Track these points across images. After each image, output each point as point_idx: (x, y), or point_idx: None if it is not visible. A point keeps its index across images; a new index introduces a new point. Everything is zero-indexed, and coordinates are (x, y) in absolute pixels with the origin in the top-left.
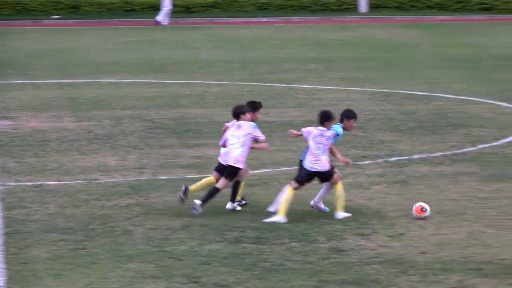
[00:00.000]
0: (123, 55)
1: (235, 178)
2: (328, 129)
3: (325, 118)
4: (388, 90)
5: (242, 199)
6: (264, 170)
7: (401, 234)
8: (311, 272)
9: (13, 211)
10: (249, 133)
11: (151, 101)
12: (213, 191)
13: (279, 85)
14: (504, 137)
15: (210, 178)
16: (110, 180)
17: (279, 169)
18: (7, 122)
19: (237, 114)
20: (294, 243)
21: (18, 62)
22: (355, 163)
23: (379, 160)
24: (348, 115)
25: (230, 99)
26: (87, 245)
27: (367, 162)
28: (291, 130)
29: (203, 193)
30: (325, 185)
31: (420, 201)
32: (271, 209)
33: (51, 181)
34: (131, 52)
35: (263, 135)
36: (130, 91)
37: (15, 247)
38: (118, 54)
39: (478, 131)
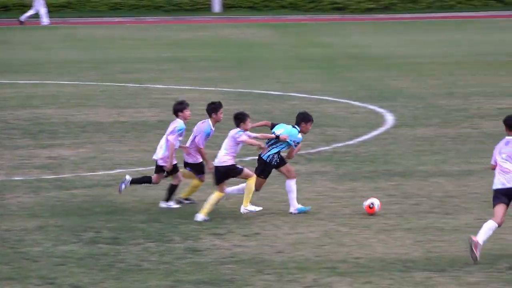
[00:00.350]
0: None
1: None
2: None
3: (239, 120)
4: (242, 90)
5: (186, 199)
6: (119, 171)
7: (256, 233)
8: (167, 272)
9: None
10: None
11: (4, 102)
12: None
13: (132, 85)
14: (358, 136)
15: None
16: None
17: (133, 169)
18: None
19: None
20: (149, 244)
21: None
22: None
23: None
24: (306, 119)
25: (83, 100)
26: None
27: None
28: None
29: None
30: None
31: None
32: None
33: None
34: None
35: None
36: None
37: None
38: None
39: (332, 130)
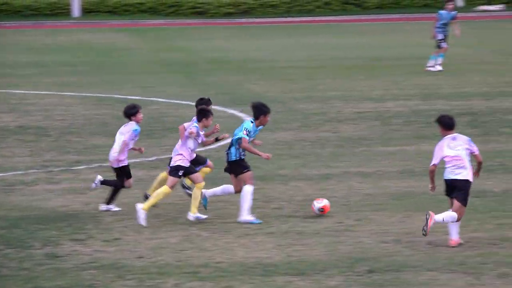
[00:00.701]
0: None
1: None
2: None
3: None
4: (101, 95)
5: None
6: None
7: (117, 238)
8: (27, 278)
9: None
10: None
11: None
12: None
13: None
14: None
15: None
16: None
17: None
18: None
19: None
20: (9, 250)
21: None
22: (68, 168)
23: (94, 165)
24: (264, 112)
25: None
26: None
27: (82, 167)
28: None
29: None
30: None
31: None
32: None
33: None
34: None
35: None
36: None
37: None
38: None
39: None
